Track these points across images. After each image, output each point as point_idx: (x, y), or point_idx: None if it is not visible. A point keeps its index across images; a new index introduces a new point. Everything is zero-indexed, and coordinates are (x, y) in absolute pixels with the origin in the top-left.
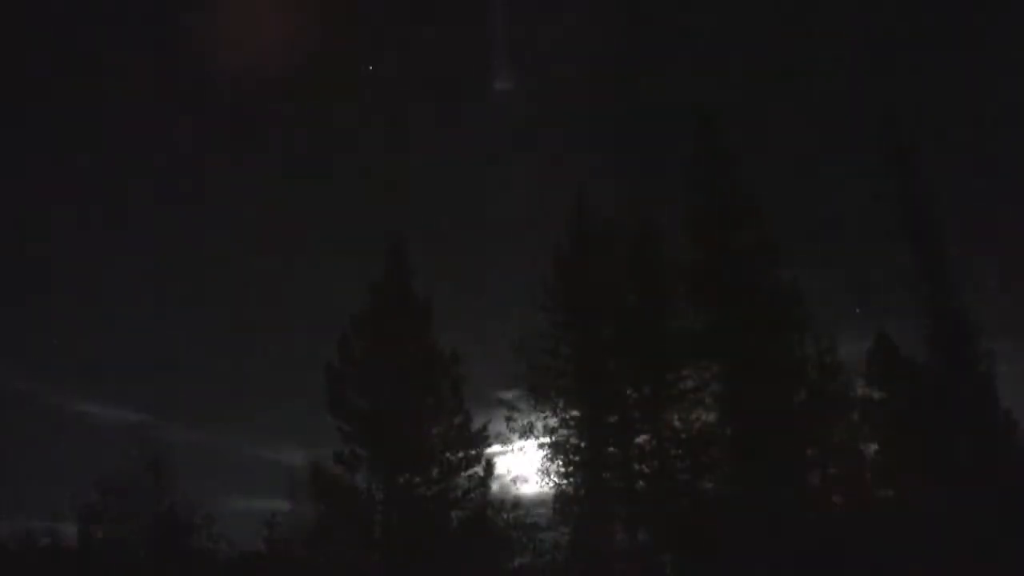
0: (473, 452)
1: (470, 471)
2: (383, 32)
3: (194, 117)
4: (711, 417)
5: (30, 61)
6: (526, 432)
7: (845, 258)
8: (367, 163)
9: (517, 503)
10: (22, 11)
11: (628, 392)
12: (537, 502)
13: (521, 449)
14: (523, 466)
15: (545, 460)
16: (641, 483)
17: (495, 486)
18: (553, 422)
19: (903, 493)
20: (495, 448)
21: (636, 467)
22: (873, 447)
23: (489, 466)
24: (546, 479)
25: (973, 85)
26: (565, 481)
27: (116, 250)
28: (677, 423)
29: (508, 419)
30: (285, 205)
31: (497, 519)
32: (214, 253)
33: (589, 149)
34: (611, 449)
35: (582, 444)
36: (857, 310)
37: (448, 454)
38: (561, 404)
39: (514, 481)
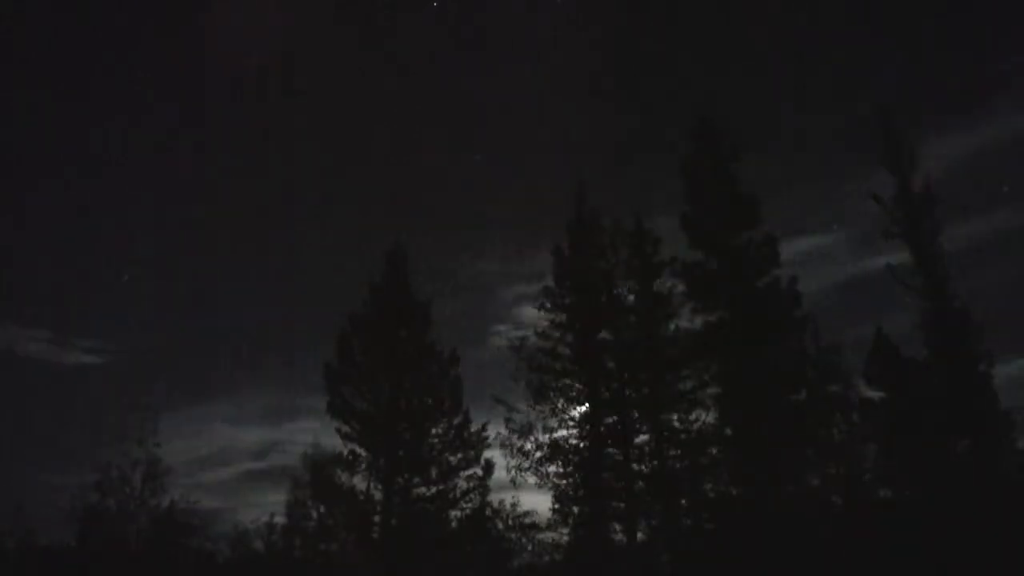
0: (472, 453)
1: (469, 472)
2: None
3: (195, 115)
4: (711, 417)
5: (29, 57)
6: (525, 432)
7: (844, 256)
8: (370, 165)
9: (516, 503)
10: (22, 9)
11: (628, 392)
12: (537, 502)
13: (520, 449)
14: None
15: (544, 460)
16: (641, 483)
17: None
18: (553, 422)
19: (903, 493)
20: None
21: (636, 467)
22: (873, 447)
23: (488, 467)
24: (546, 479)
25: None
26: (565, 481)
27: (117, 252)
28: (677, 423)
29: (507, 419)
30: (288, 203)
31: (496, 519)
32: (214, 253)
33: (589, 148)
34: (611, 449)
35: (582, 444)
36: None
37: (447, 455)
38: (561, 404)
39: (513, 481)
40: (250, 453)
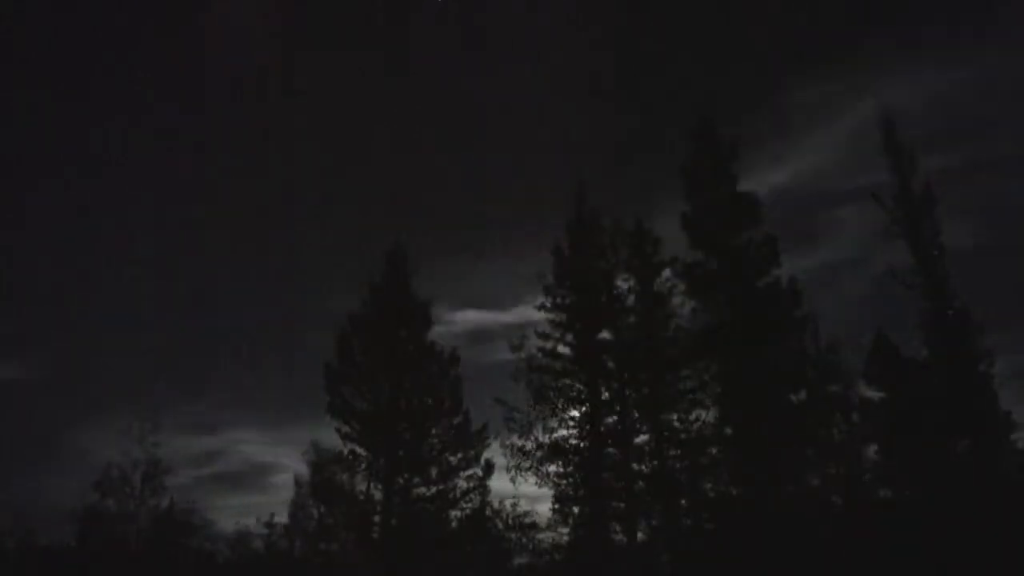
0: (472, 453)
1: (469, 472)
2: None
3: (195, 115)
4: (711, 417)
5: (29, 58)
6: (525, 432)
7: (844, 256)
8: (370, 165)
9: (516, 503)
10: (22, 9)
11: (628, 392)
12: (537, 502)
13: (520, 449)
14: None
15: (544, 460)
16: (641, 483)
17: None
18: (553, 422)
19: (903, 493)
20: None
21: (636, 467)
22: (873, 447)
23: (488, 467)
24: (546, 479)
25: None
26: (565, 481)
27: (117, 252)
28: (677, 423)
29: (507, 419)
30: (288, 203)
31: (496, 519)
32: (214, 253)
33: (589, 148)
34: (611, 449)
35: (582, 444)
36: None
37: (447, 455)
38: (561, 404)
39: (513, 481)
40: (191, 461)
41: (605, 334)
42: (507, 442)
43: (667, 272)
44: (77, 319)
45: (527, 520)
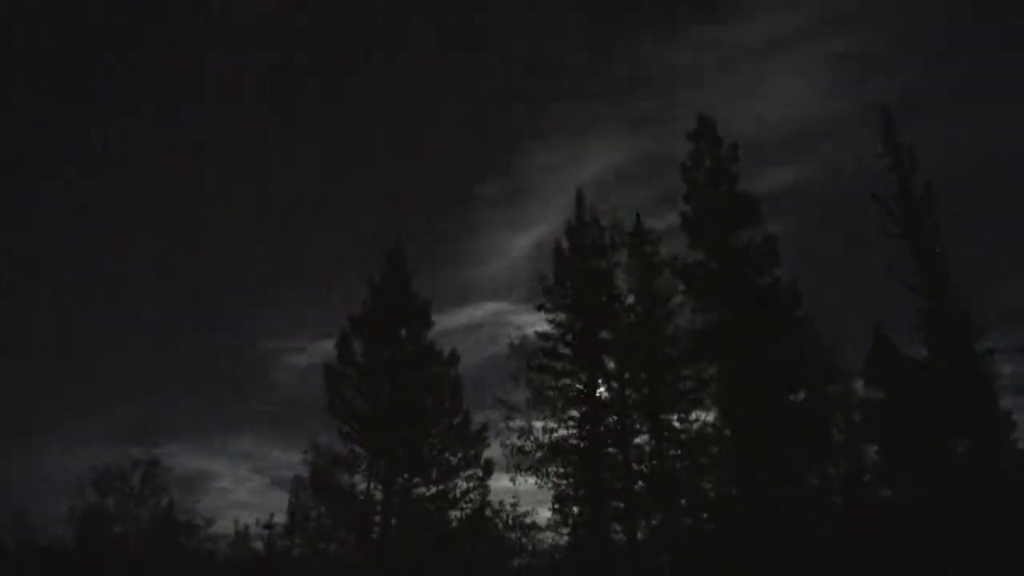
0: (472, 452)
1: (469, 471)
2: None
3: (195, 115)
4: (711, 417)
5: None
6: (525, 432)
7: (845, 258)
8: (370, 165)
9: (516, 503)
10: (22, 9)
11: (628, 392)
12: (537, 502)
13: (520, 449)
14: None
15: (544, 460)
16: (641, 483)
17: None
18: (552, 422)
19: (903, 493)
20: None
21: (635, 467)
22: (873, 447)
23: (488, 467)
24: (546, 479)
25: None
26: (565, 481)
27: (117, 252)
28: (677, 423)
29: (507, 419)
30: (288, 203)
31: (496, 519)
32: (214, 256)
33: (588, 148)
34: (611, 449)
35: (582, 444)
36: None
37: (447, 454)
38: (561, 404)
39: (513, 481)
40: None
41: (605, 334)
42: (507, 442)
43: (667, 272)
44: (77, 319)
45: (527, 520)
